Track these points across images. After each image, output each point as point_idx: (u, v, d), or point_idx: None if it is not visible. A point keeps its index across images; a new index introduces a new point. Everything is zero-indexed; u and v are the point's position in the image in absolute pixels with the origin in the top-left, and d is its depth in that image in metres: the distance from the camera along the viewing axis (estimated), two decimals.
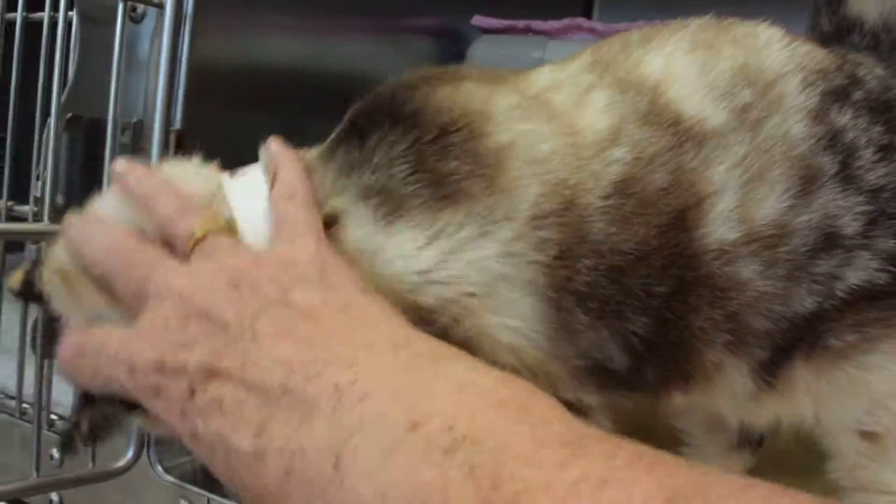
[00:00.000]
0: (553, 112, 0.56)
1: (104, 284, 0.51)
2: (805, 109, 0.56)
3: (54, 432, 0.78)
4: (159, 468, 0.79)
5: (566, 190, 0.53)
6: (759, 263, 0.55)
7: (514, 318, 0.53)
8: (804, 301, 0.56)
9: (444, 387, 0.41)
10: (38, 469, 0.73)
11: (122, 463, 0.77)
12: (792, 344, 0.58)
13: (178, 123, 0.77)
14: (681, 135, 0.55)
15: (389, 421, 0.39)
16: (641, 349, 0.55)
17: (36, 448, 0.73)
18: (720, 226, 0.54)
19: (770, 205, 0.55)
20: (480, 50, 1.15)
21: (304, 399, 0.40)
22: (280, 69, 0.91)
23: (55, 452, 0.78)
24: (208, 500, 0.77)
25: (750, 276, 0.55)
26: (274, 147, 0.55)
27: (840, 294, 0.57)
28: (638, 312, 0.54)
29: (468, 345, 0.52)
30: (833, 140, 0.56)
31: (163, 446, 0.78)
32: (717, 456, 0.77)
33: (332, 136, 0.59)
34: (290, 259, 0.47)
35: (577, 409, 0.55)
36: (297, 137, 0.87)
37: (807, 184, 0.55)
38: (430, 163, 0.53)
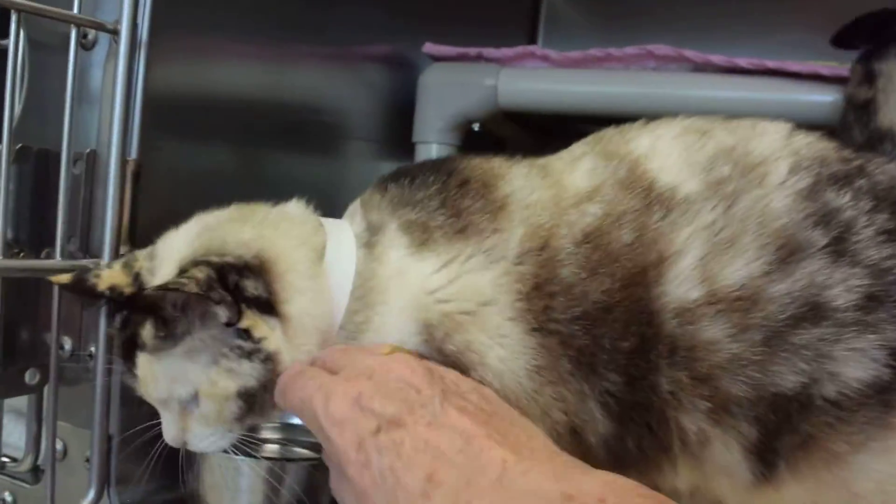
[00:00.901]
0: (548, 173, 0.67)
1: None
2: (793, 188, 0.60)
3: (6, 475, 0.75)
4: None
5: (543, 232, 0.62)
6: (728, 324, 0.58)
7: (499, 339, 0.60)
8: (787, 376, 0.58)
9: (593, 479, 0.49)
10: None
11: (83, 503, 0.74)
12: (780, 429, 0.58)
13: (134, 153, 0.75)
14: (651, 200, 0.61)
15: (545, 491, 0.48)
16: (617, 410, 0.59)
17: None
18: (680, 285, 0.59)
19: (737, 269, 0.58)
20: (432, 77, 1.14)
21: (475, 465, 0.50)
22: (236, 97, 0.90)
23: (7, 496, 0.75)
24: None
25: (718, 336, 0.58)
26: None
27: (848, 391, 0.57)
28: (609, 368, 0.59)
29: (457, 362, 0.60)
30: (826, 217, 0.59)
31: (124, 486, 0.75)
32: None
33: (382, 179, 0.70)
34: (461, 378, 0.59)
35: None
36: (253, 165, 0.86)
37: (788, 254, 0.58)
38: (451, 200, 0.65)
